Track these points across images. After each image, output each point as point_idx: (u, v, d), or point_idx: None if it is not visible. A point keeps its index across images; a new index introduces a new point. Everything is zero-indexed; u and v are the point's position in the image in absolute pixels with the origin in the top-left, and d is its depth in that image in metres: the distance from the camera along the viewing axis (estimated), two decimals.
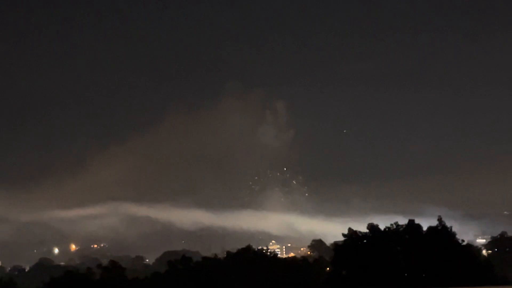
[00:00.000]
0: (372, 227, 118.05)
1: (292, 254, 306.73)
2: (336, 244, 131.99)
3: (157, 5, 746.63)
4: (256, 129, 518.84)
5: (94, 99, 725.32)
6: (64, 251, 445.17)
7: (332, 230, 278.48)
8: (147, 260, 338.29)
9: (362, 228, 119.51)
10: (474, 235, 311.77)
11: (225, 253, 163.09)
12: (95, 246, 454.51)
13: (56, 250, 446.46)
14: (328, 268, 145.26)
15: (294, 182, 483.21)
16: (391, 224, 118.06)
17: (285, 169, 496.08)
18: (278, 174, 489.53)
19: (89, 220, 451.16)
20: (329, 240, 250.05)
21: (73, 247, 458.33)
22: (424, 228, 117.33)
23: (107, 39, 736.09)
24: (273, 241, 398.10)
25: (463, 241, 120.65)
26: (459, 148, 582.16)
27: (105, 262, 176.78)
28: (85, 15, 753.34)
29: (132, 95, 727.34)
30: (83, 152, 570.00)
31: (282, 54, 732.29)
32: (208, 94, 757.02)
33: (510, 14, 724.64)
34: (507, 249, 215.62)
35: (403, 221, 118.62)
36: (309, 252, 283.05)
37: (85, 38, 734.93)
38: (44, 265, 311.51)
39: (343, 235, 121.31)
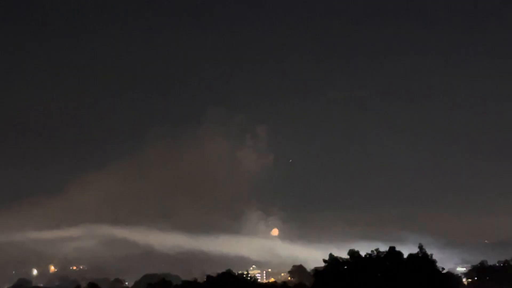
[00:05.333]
0: (353, 254, 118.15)
1: (272, 279, 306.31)
2: (316, 270, 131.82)
3: (139, 30, 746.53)
4: (237, 154, 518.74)
5: (73, 121, 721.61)
6: (43, 272, 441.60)
7: (313, 256, 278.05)
8: (127, 283, 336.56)
9: (343, 254, 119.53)
10: (454, 264, 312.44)
11: (205, 277, 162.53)
12: (74, 268, 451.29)
13: (35, 271, 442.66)
14: None
15: (274, 206, 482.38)
16: (372, 251, 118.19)
17: (265, 193, 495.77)
18: (258, 198, 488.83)
19: (67, 242, 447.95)
20: (310, 266, 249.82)
21: (52, 268, 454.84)
22: (405, 255, 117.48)
23: (87, 62, 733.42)
24: (253, 266, 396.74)
25: (443, 269, 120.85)
26: (441, 177, 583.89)
27: (84, 284, 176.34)
28: (67, 40, 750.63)
29: (112, 119, 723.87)
30: (62, 174, 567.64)
31: (264, 79, 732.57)
32: (190, 118, 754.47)
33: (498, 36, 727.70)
34: (487, 278, 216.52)
35: (384, 248, 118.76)
36: (289, 278, 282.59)
37: (66, 60, 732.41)
38: (23, 286, 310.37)
39: (324, 261, 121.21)
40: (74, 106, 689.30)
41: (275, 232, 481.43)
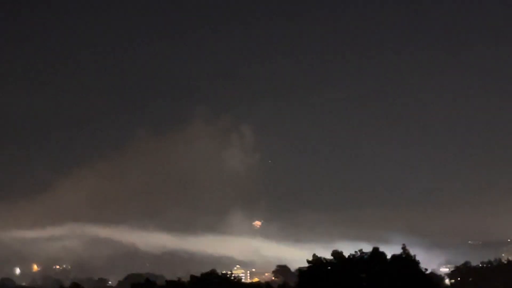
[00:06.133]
0: (337, 254, 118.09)
1: (256, 279, 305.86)
2: (300, 270, 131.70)
3: (124, 30, 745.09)
4: (222, 153, 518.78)
5: (58, 120, 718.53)
6: (26, 271, 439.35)
7: (298, 256, 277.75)
8: (110, 282, 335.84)
9: (327, 254, 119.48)
10: (438, 264, 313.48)
11: (189, 277, 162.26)
12: (58, 267, 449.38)
13: (17, 271, 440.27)
14: None
15: (259, 206, 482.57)
16: (356, 252, 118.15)
17: (250, 193, 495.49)
18: (243, 198, 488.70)
19: (50, 242, 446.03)
20: (294, 266, 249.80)
21: (35, 267, 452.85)
22: (389, 256, 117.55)
23: (73, 61, 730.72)
24: (237, 266, 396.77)
25: (426, 269, 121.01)
26: (426, 178, 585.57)
27: (67, 284, 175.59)
28: (53, 39, 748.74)
29: (98, 118, 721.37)
30: (45, 172, 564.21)
31: (251, 79, 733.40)
32: (176, 118, 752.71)
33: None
34: (470, 279, 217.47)
35: (368, 248, 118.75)
36: (273, 278, 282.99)
37: (51, 59, 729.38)
38: (6, 285, 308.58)
39: (308, 261, 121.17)
40: (59, 105, 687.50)
41: (257, 224, 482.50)
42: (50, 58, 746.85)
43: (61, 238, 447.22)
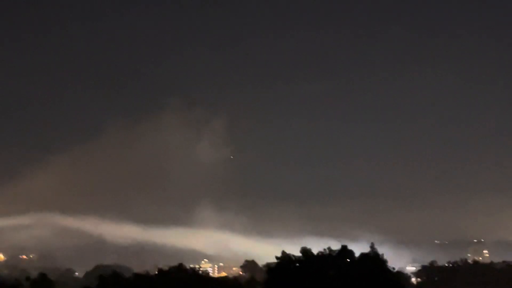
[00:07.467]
0: (305, 251, 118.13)
1: (224, 274, 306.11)
2: (269, 267, 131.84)
3: (99, 19, 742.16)
4: (194, 146, 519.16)
5: (29, 108, 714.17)
6: None
7: (266, 251, 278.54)
8: (77, 273, 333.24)
9: (295, 249, 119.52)
10: (405, 263, 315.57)
11: (156, 270, 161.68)
12: (24, 257, 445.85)
13: None
14: None
15: (229, 200, 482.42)
16: (324, 249, 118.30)
17: (220, 186, 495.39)
18: (213, 191, 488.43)
19: (17, 230, 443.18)
20: (262, 261, 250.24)
21: (1, 256, 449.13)
22: (357, 253, 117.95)
23: (49, 51, 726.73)
24: (205, 260, 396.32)
25: (394, 268, 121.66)
26: (396, 176, 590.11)
27: (34, 274, 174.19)
28: (27, 25, 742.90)
29: (71, 108, 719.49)
30: (15, 161, 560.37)
31: (224, 72, 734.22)
32: (148, 109, 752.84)
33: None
34: (436, 278, 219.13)
35: (337, 245, 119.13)
36: (241, 272, 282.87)
37: (26, 48, 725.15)
38: None
39: (276, 258, 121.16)
40: (29, 93, 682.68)
41: None
42: (27, 45, 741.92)
43: (28, 227, 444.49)
